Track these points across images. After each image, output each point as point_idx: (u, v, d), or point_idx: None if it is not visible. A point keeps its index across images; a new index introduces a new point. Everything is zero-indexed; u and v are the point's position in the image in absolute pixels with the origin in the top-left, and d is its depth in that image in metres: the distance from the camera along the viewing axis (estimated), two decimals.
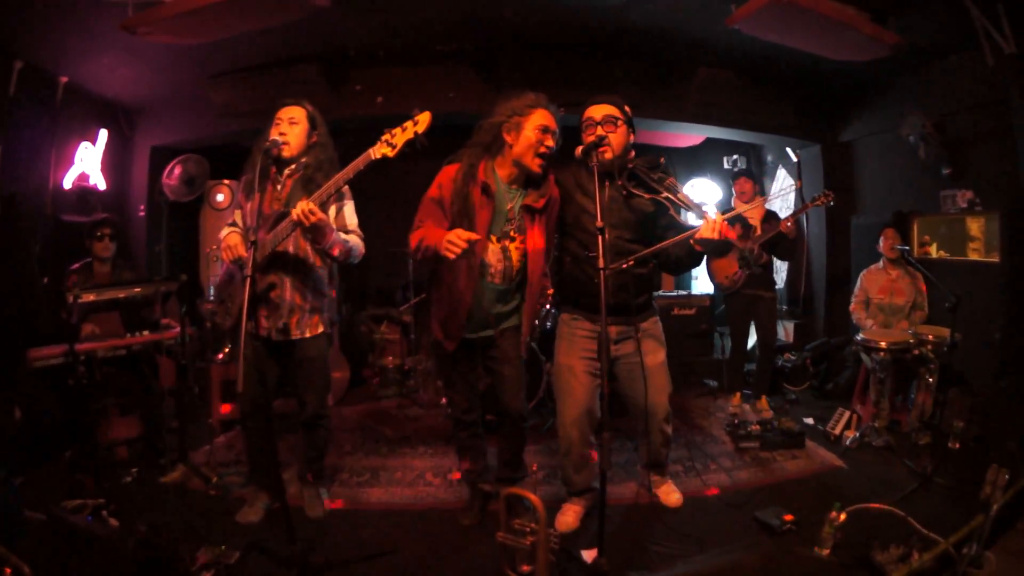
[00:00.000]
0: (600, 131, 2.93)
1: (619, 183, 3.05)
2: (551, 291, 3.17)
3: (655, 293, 3.51)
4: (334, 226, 3.10)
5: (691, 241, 2.81)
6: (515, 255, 3.07)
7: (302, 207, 2.80)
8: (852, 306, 5.24)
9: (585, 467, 3.34)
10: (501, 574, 2.81)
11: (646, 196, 3.02)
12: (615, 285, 2.97)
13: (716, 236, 2.72)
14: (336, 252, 3.10)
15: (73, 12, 4.14)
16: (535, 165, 2.95)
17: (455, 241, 2.69)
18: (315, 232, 2.95)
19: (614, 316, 3.05)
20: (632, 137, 3.11)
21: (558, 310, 3.42)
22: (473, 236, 2.74)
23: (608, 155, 2.84)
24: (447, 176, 3.03)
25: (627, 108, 3.08)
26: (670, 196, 2.94)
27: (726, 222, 2.73)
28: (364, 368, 6.20)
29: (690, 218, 3.08)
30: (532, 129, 2.92)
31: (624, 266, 2.80)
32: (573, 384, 3.18)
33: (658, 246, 2.88)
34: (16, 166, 4.66)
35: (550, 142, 2.95)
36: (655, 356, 3.27)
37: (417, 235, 2.98)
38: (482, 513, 3.44)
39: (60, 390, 3.87)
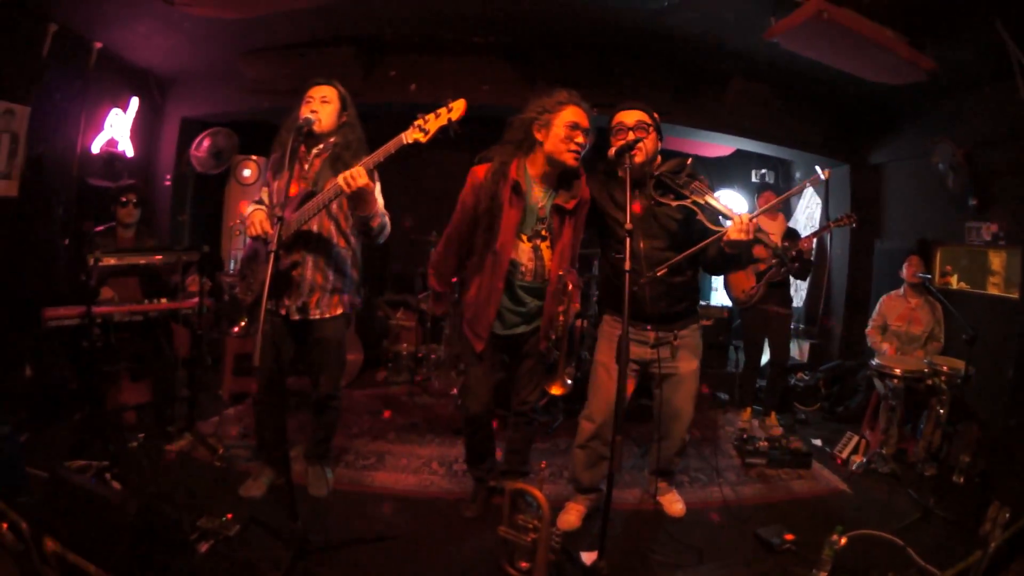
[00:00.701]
0: (631, 136, 2.92)
1: (648, 192, 3.04)
2: (575, 291, 3.14)
3: (702, 302, 3.52)
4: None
5: (721, 243, 2.81)
6: (546, 255, 3.06)
7: (347, 173, 2.79)
8: (869, 330, 5.21)
9: (595, 466, 3.34)
10: (499, 569, 2.81)
11: (674, 203, 3.00)
12: (653, 295, 3.01)
13: (746, 236, 2.72)
14: (375, 223, 3.09)
15: None
16: (569, 159, 2.91)
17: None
18: (358, 199, 2.92)
19: (654, 323, 3.14)
20: (660, 144, 3.10)
21: (600, 311, 3.51)
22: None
23: (638, 158, 2.87)
24: (476, 177, 3.03)
25: (656, 115, 3.07)
26: (697, 200, 2.93)
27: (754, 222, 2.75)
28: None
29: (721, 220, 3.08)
30: (562, 126, 2.89)
31: (659, 274, 2.83)
32: (607, 382, 3.15)
33: (687, 252, 2.88)
34: (45, 128, 4.68)
35: (581, 139, 2.91)
36: (689, 364, 3.28)
37: (435, 279, 3.34)
38: (485, 506, 3.45)
39: (73, 351, 3.90)
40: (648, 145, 2.98)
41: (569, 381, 2.94)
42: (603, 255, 3.34)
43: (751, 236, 2.75)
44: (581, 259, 3.40)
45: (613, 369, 3.09)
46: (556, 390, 2.95)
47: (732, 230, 2.74)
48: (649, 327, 3.17)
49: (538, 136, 2.95)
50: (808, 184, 4.23)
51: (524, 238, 3.03)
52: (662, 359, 3.21)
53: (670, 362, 3.21)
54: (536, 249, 3.04)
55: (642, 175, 2.99)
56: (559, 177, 3.04)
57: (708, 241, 2.85)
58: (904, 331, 5.00)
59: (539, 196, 3.03)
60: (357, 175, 2.78)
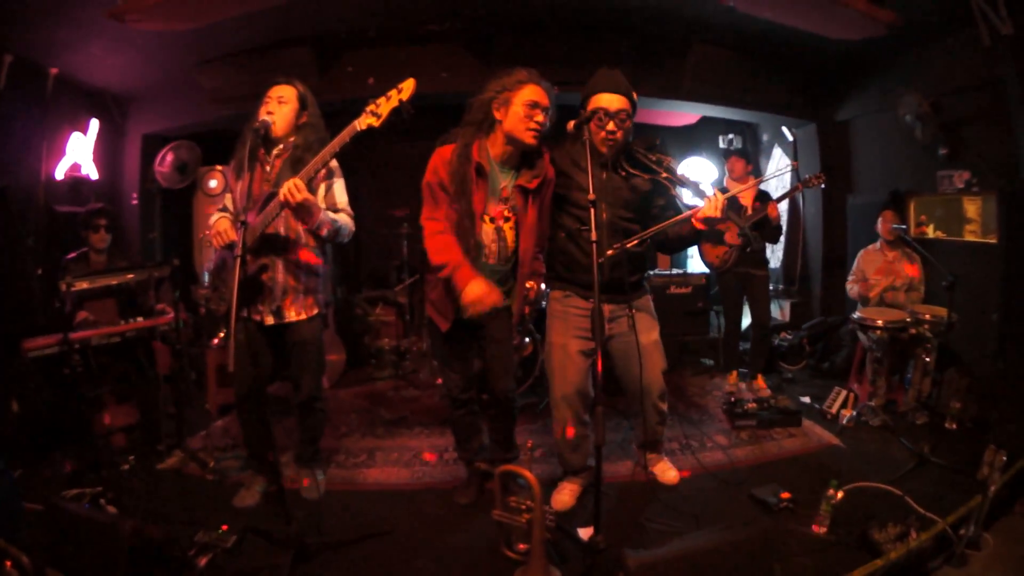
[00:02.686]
0: (612, 125, 2.94)
1: (618, 162, 3.04)
2: (531, 284, 3.13)
3: (650, 272, 3.50)
4: (322, 205, 3.09)
5: (693, 220, 2.85)
6: (509, 235, 3.04)
7: (288, 185, 2.76)
8: (848, 283, 5.22)
9: (580, 446, 3.34)
10: (497, 552, 2.82)
11: (644, 176, 3.01)
12: (610, 263, 2.92)
13: (719, 214, 2.78)
14: (324, 232, 3.06)
15: (61, 2, 4.10)
16: (528, 138, 2.89)
17: (479, 306, 2.81)
18: (302, 212, 2.90)
19: (608, 294, 3.04)
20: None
21: (548, 287, 3.37)
22: (498, 304, 2.86)
23: (613, 148, 2.96)
24: (442, 159, 2.97)
25: (634, 94, 3.03)
26: (670, 176, 2.94)
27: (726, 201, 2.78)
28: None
29: (686, 196, 3.10)
30: (521, 104, 2.86)
31: (629, 246, 2.85)
32: (566, 364, 3.17)
33: (661, 225, 2.90)
34: (7, 159, 4.64)
35: (540, 117, 2.88)
36: (649, 334, 3.26)
37: (439, 247, 2.93)
38: (479, 492, 3.46)
39: (56, 380, 3.85)
40: (625, 132, 2.99)
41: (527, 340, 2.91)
42: (556, 221, 3.20)
43: (722, 214, 2.80)
44: None
45: (571, 349, 3.11)
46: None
47: (706, 208, 2.79)
48: (603, 298, 2.99)
49: (497, 115, 2.92)
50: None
51: (487, 219, 3.01)
52: (620, 332, 3.20)
53: (628, 335, 3.15)
54: (499, 231, 3.02)
55: (613, 160, 3.00)
56: (521, 156, 3.02)
57: (682, 217, 2.89)
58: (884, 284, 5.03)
59: (501, 176, 3.01)
60: (296, 189, 2.76)
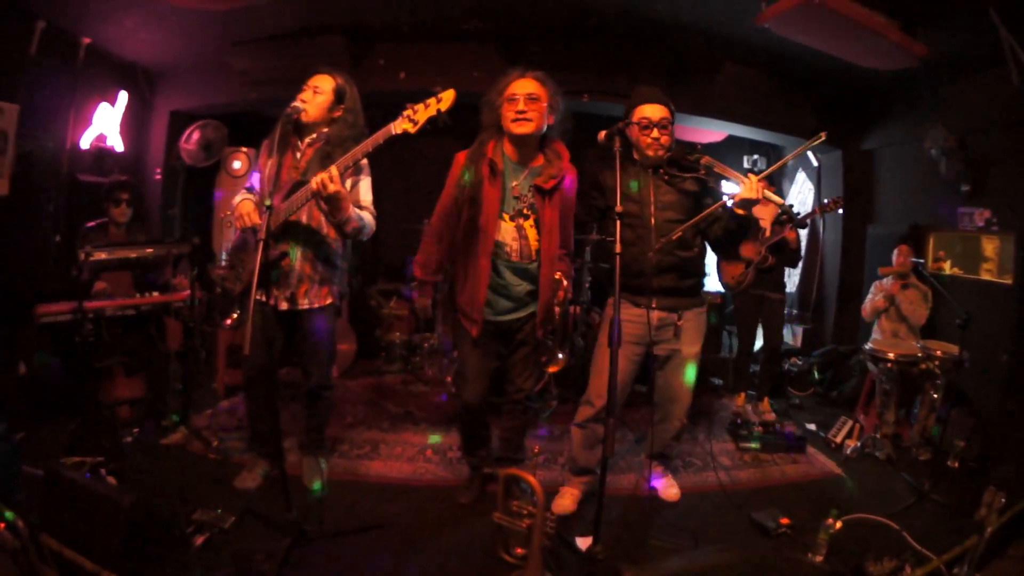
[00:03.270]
0: (656, 132, 3.07)
1: (662, 171, 3.13)
2: (565, 283, 3.15)
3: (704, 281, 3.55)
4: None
5: (732, 206, 2.96)
6: (531, 234, 3.07)
7: (323, 175, 2.77)
8: (863, 307, 5.23)
9: (593, 447, 3.34)
10: (494, 555, 2.82)
11: (687, 176, 3.11)
12: (659, 267, 3.06)
13: (756, 195, 2.87)
14: (349, 228, 3.08)
15: None
16: (514, 127, 2.94)
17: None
18: (332, 203, 2.90)
19: (659, 299, 3.16)
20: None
21: (604, 295, 3.48)
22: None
23: (658, 153, 3.07)
24: (459, 162, 3.09)
25: (672, 107, 3.16)
26: (710, 168, 3.05)
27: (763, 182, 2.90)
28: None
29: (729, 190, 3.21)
30: (504, 100, 2.98)
31: (674, 238, 2.99)
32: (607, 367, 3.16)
33: (699, 216, 3.03)
34: (34, 124, 4.65)
35: (521, 106, 2.92)
36: (691, 347, 3.31)
37: (421, 261, 3.32)
38: (480, 493, 3.46)
39: (66, 347, 3.88)
40: (669, 140, 3.11)
41: (560, 356, 2.93)
42: (605, 231, 3.39)
43: (760, 196, 2.88)
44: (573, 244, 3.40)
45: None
46: (554, 368, 2.94)
47: (744, 190, 2.89)
48: (654, 303, 3.16)
49: (499, 116, 3.02)
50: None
51: (506, 217, 3.04)
52: (665, 340, 3.25)
53: (674, 343, 3.24)
54: (520, 228, 3.05)
55: (657, 166, 3.11)
56: (536, 155, 3.09)
57: (721, 203, 3.03)
58: (895, 313, 5.01)
59: (515, 175, 3.06)
60: (330, 182, 2.78)
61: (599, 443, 3.28)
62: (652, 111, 3.08)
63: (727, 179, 3.06)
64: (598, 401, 3.23)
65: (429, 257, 3.27)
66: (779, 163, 3.52)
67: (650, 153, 3.10)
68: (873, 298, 5.15)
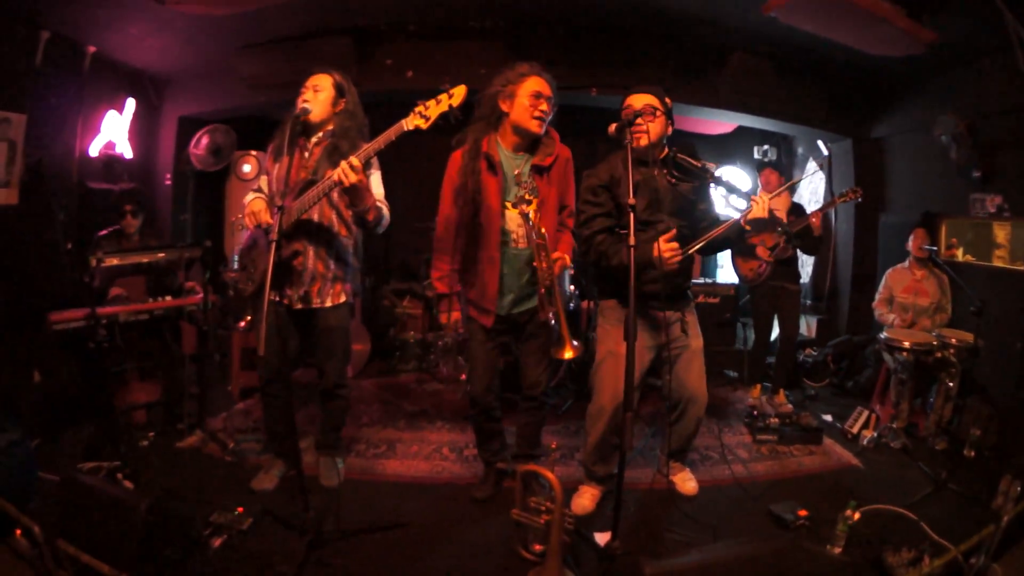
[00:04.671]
0: (639, 121, 2.94)
1: (664, 172, 3.09)
2: (567, 258, 3.13)
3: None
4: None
5: (742, 222, 2.95)
6: (535, 218, 3.05)
7: (345, 165, 2.78)
8: (875, 303, 5.18)
9: (610, 458, 3.33)
10: (513, 552, 2.82)
11: (691, 183, 3.10)
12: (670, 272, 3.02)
13: (765, 214, 2.91)
14: (371, 217, 3.09)
15: None
16: (534, 126, 3.02)
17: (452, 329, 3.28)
18: (354, 194, 2.91)
19: (666, 302, 3.13)
20: (670, 129, 3.16)
21: (602, 297, 3.39)
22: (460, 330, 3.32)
23: (642, 141, 2.90)
24: (454, 163, 3.13)
25: (668, 100, 3.12)
26: (714, 181, 3.05)
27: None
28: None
29: (719, 200, 3.28)
30: (526, 95, 3.00)
31: (692, 250, 2.98)
32: (617, 370, 3.07)
33: (716, 231, 3.01)
34: (42, 134, 4.70)
35: (544, 106, 3.02)
36: (698, 340, 3.32)
37: (437, 275, 3.27)
38: (497, 490, 3.47)
39: (80, 354, 3.90)
40: (655, 128, 3.01)
41: (576, 343, 2.89)
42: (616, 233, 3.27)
43: (767, 215, 2.93)
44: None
45: (623, 357, 3.07)
46: (567, 354, 2.91)
47: (755, 209, 2.91)
48: (665, 306, 3.15)
49: (504, 108, 3.05)
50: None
51: (509, 205, 3.06)
52: (675, 338, 3.23)
53: (682, 339, 3.23)
54: (524, 214, 3.04)
55: (647, 157, 3.00)
56: (529, 145, 3.13)
57: (732, 222, 2.99)
58: (911, 303, 4.97)
59: (515, 163, 3.09)
60: (353, 171, 2.78)
61: (614, 452, 3.28)
62: (635, 100, 3.06)
63: (729, 190, 3.06)
64: (610, 406, 3.16)
65: (444, 271, 3.26)
66: (785, 185, 3.49)
67: (635, 144, 2.92)
68: (883, 300, 5.13)
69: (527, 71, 3.04)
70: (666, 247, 2.86)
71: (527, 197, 3.03)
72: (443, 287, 3.25)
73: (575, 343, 2.85)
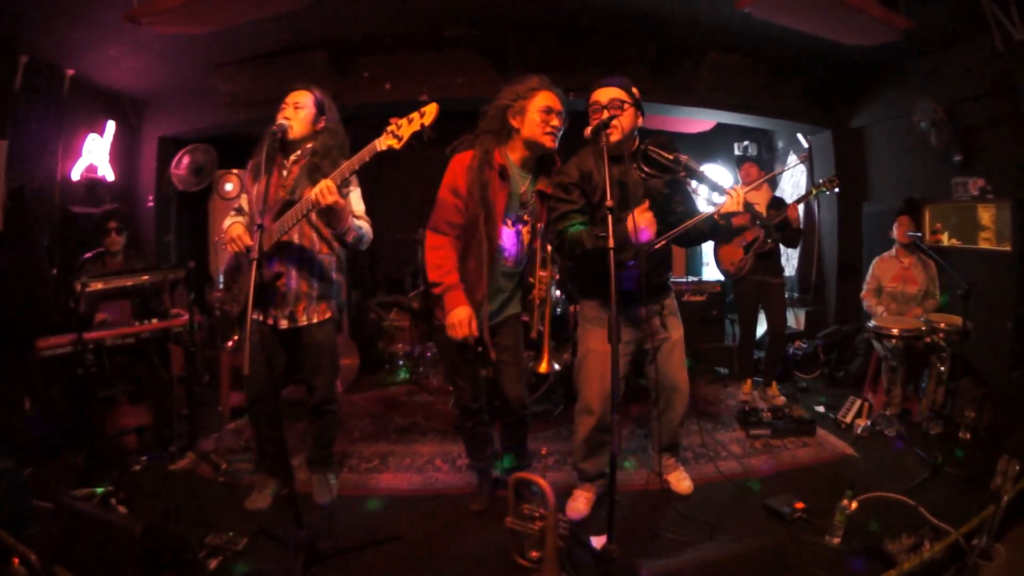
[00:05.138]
0: (606, 114, 2.88)
1: (635, 166, 3.04)
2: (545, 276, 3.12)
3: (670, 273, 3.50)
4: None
5: (716, 216, 2.91)
6: (526, 239, 3.09)
7: (321, 186, 2.76)
8: (863, 293, 5.19)
9: (599, 453, 3.32)
10: (509, 560, 2.81)
11: (665, 177, 3.04)
12: (647, 268, 2.97)
13: (740, 208, 2.86)
14: (350, 238, 3.08)
15: (78, 4, 4.16)
16: (548, 141, 2.96)
17: (459, 328, 2.90)
18: (331, 214, 2.89)
19: (648, 297, 3.08)
20: (640, 120, 3.06)
21: (582, 297, 3.34)
22: (474, 333, 2.94)
23: (614, 137, 2.86)
24: (461, 165, 3.00)
25: (635, 90, 3.04)
26: (688, 172, 2.96)
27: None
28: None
29: (702, 192, 3.18)
30: (536, 111, 2.93)
31: (657, 246, 2.89)
32: (601, 368, 3.10)
33: (687, 224, 2.93)
34: (24, 159, 4.68)
35: (556, 122, 2.96)
36: (677, 331, 3.32)
37: (441, 273, 2.96)
38: (491, 499, 3.44)
39: (69, 379, 3.88)
40: (624, 122, 2.93)
41: (556, 367, 2.90)
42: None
43: (742, 208, 2.87)
44: None
45: (606, 354, 3.05)
46: (542, 368, 2.91)
47: (729, 203, 2.86)
48: (640, 302, 3.11)
49: (514, 123, 2.98)
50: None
51: (508, 223, 3.04)
52: (655, 331, 3.21)
53: (662, 332, 3.23)
54: (518, 234, 3.06)
55: (620, 152, 2.95)
56: (537, 161, 3.09)
57: (705, 215, 2.94)
58: (899, 291, 4.99)
59: (521, 181, 3.06)
60: (328, 192, 2.75)
61: (603, 448, 3.29)
62: (601, 94, 2.99)
63: (703, 182, 3.00)
64: (597, 405, 3.16)
65: (448, 267, 2.99)
66: (764, 178, 3.49)
67: (603, 142, 2.82)
68: (871, 290, 5.14)
69: (537, 85, 2.97)
70: (641, 217, 2.82)
71: (526, 218, 3.05)
72: (452, 279, 2.97)
73: (554, 365, 2.85)
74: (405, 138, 2.66)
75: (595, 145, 2.87)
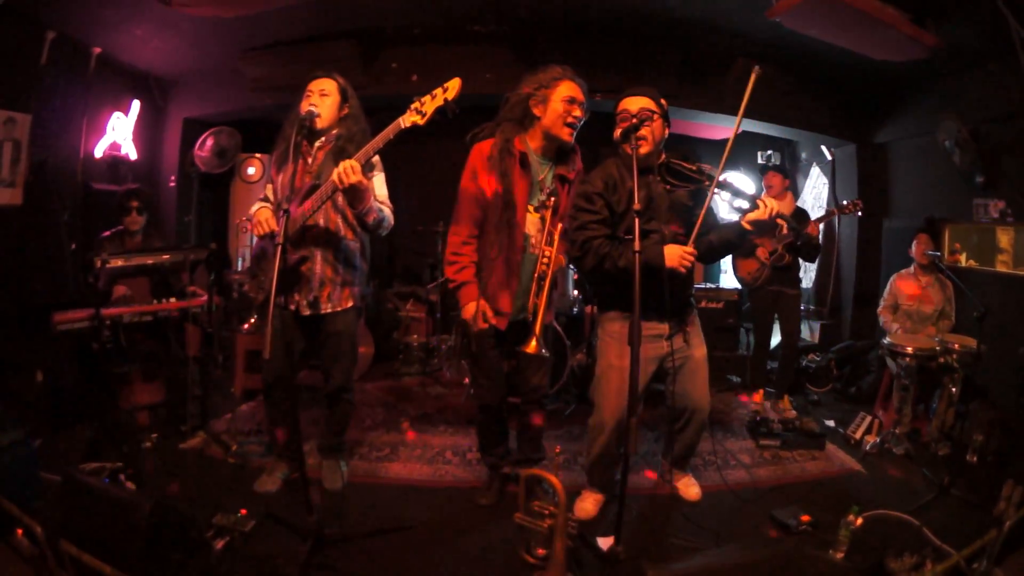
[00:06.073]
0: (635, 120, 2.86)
1: (659, 179, 2.99)
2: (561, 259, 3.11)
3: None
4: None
5: (743, 223, 2.88)
6: (549, 224, 3.06)
7: (344, 165, 2.76)
8: (880, 309, 5.18)
9: (612, 468, 3.32)
10: (515, 556, 2.81)
11: (689, 188, 2.99)
12: (674, 285, 2.94)
13: (767, 217, 2.83)
14: (370, 219, 3.08)
15: None
16: (565, 134, 3.00)
17: (479, 321, 3.00)
18: (354, 194, 2.90)
19: (670, 314, 3.06)
20: (667, 131, 3.04)
21: (603, 309, 3.27)
22: (492, 321, 3.03)
23: (644, 148, 2.84)
24: (481, 155, 3.03)
25: (663, 101, 3.02)
26: (712, 183, 2.88)
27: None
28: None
29: (722, 204, 3.19)
30: (559, 101, 2.96)
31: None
32: (621, 385, 2.94)
33: (716, 234, 2.97)
34: (47, 134, 4.71)
35: (578, 112, 2.99)
36: (700, 349, 3.24)
37: (455, 269, 3.07)
38: (500, 494, 3.45)
39: (84, 354, 3.91)
40: (655, 132, 2.92)
41: (545, 352, 2.89)
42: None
43: (771, 217, 2.84)
44: None
45: (627, 370, 3.00)
46: (530, 348, 2.89)
47: (758, 213, 2.84)
48: (664, 318, 3.06)
49: (536, 111, 3.00)
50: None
51: (531, 209, 3.06)
52: (677, 349, 3.12)
53: (685, 349, 3.15)
54: (543, 220, 3.06)
55: (647, 164, 2.93)
56: (556, 150, 3.11)
57: (733, 223, 2.95)
58: (915, 310, 4.97)
59: (540, 168, 3.08)
60: (351, 171, 2.77)
61: (615, 462, 3.26)
62: (630, 103, 2.94)
63: (730, 192, 2.95)
64: (612, 421, 3.10)
65: (465, 262, 3.09)
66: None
67: (630, 152, 2.77)
68: (888, 307, 5.12)
69: (560, 75, 2.99)
70: (680, 252, 2.81)
71: (548, 203, 3.04)
72: (465, 275, 3.06)
73: (544, 350, 2.86)
74: (429, 114, 2.67)
75: (621, 155, 2.87)
